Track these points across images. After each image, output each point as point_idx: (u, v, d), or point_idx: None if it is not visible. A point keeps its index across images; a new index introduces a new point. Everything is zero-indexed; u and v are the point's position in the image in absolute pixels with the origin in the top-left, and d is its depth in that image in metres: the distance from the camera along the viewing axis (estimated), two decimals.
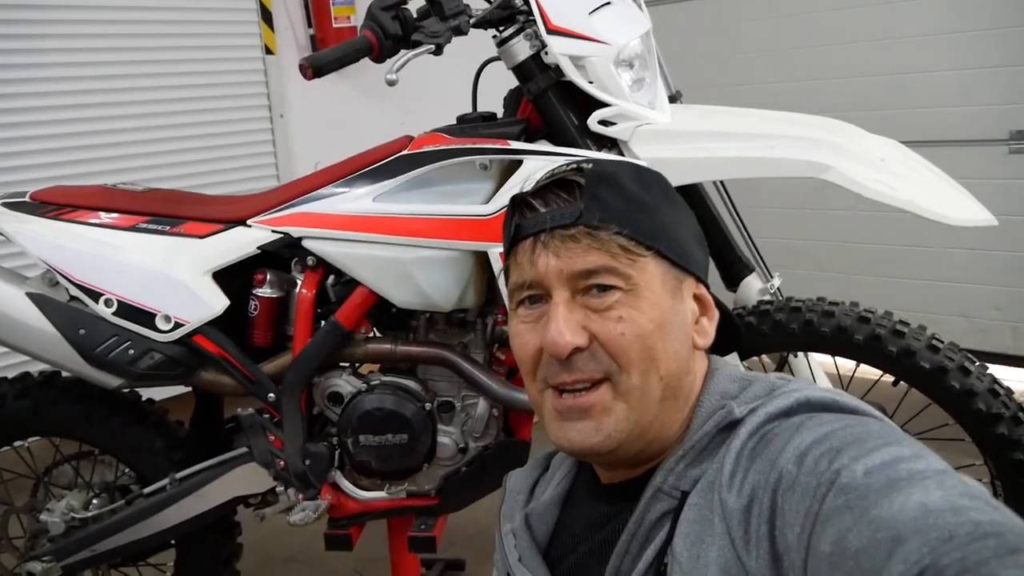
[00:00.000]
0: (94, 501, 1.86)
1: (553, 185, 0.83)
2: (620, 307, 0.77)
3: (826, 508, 0.62)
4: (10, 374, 1.80)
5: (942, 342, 1.49)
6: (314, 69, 1.42)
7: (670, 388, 0.79)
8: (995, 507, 0.56)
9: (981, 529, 0.53)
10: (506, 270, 0.87)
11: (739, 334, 0.96)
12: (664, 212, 0.84)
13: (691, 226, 0.88)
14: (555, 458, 0.99)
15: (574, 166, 0.84)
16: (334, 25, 3.74)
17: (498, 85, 1.75)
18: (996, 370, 1.52)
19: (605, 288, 0.78)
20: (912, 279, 3.64)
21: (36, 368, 1.80)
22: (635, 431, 0.78)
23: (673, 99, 1.74)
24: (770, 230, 3.70)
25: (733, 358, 1.62)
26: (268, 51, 3.73)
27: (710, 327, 0.86)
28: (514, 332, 0.84)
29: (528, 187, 0.86)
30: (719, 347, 0.92)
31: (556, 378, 0.79)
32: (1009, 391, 1.48)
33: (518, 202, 0.84)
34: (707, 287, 0.88)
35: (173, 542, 1.88)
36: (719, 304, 0.89)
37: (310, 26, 3.84)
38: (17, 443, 1.90)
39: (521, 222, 0.82)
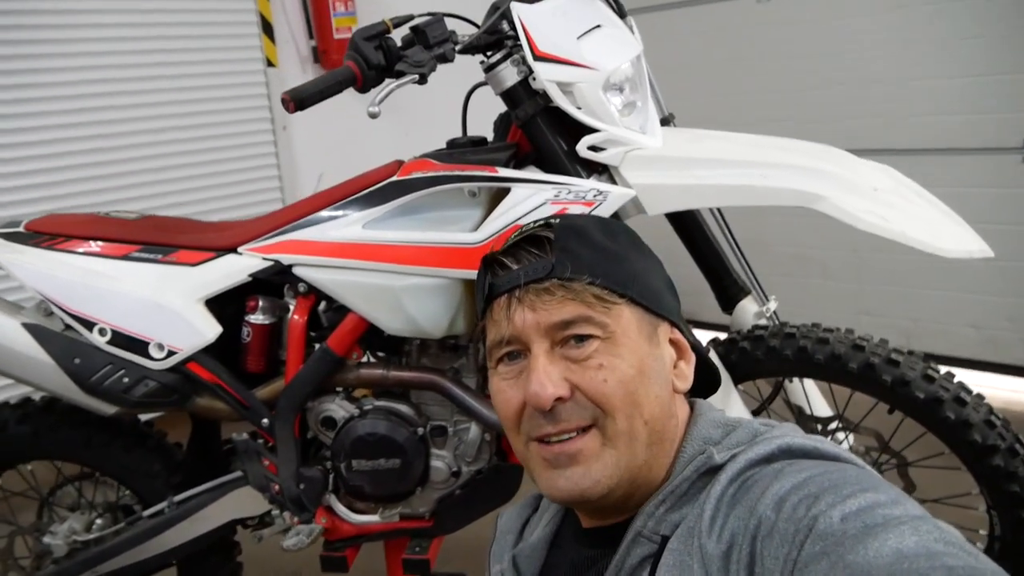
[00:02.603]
0: (97, 522, 1.88)
1: (523, 242, 0.85)
2: (599, 355, 0.78)
3: (804, 555, 0.62)
4: (11, 399, 1.82)
5: (938, 372, 1.47)
6: (296, 103, 1.42)
7: (655, 432, 0.80)
8: (969, 553, 0.57)
9: (954, 574, 0.53)
10: (482, 329, 0.88)
11: (717, 376, 0.96)
12: (633, 260, 0.85)
13: (660, 273, 0.90)
14: (545, 498, 1.00)
15: (542, 223, 0.86)
16: (335, 36, 3.72)
17: (493, 105, 1.74)
18: (1006, 381, 1.49)
19: (583, 338, 0.79)
20: (923, 289, 3.58)
21: (37, 393, 1.82)
22: (625, 476, 0.79)
23: (665, 122, 1.72)
24: (778, 238, 3.67)
25: (726, 386, 1.61)
26: (269, 63, 3.73)
27: (688, 370, 0.87)
28: (496, 389, 0.85)
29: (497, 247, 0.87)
30: (700, 389, 0.92)
31: (540, 430, 0.80)
32: (1006, 422, 1.46)
33: (489, 262, 0.86)
34: (681, 331, 0.88)
35: (174, 562, 1.90)
36: (695, 347, 0.90)
37: (311, 38, 3.83)
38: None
39: (494, 280, 0.84)
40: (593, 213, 1.45)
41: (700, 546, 0.70)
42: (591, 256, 0.81)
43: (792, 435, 0.77)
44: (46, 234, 1.70)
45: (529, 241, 0.84)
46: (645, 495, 0.81)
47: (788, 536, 0.64)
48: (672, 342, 0.86)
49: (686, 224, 1.76)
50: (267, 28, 3.69)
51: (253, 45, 3.68)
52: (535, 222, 0.87)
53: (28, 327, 1.64)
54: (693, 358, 0.89)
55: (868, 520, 0.61)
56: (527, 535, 0.97)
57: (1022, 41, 3.19)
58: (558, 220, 0.85)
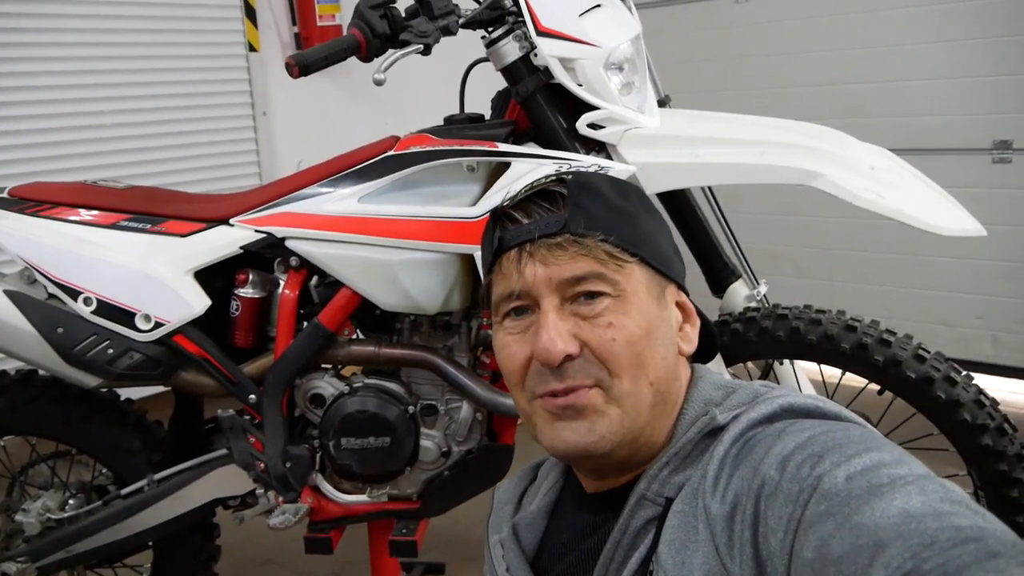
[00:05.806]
0: (70, 501, 1.83)
1: (535, 196, 0.83)
2: (609, 314, 0.77)
3: (808, 514, 0.62)
4: None
5: (928, 352, 1.50)
6: (301, 67, 1.40)
7: (660, 394, 0.79)
8: (976, 511, 0.57)
9: (962, 534, 0.53)
10: (488, 284, 0.86)
11: (716, 342, 0.96)
12: (645, 221, 0.85)
13: (668, 236, 0.90)
14: (543, 468, 0.99)
15: (554, 177, 0.85)
16: (319, 23, 3.71)
17: (484, 86, 1.74)
18: (976, 379, 1.53)
19: (594, 295, 0.78)
20: (895, 287, 3.66)
21: (13, 367, 1.77)
22: (628, 436, 0.78)
23: (662, 103, 1.73)
24: (752, 235, 3.70)
25: (718, 365, 1.62)
26: (252, 48, 3.70)
27: (693, 334, 0.87)
28: (500, 344, 0.84)
29: (507, 200, 0.86)
30: (698, 355, 0.92)
31: (546, 387, 0.78)
32: (994, 402, 1.49)
33: (499, 215, 0.84)
34: (687, 295, 0.88)
35: (150, 544, 1.85)
36: (698, 312, 0.90)
37: (294, 24, 3.82)
38: None
39: (504, 234, 0.82)
40: None
41: (704, 507, 0.70)
42: (604, 213, 0.81)
43: (793, 395, 0.77)
44: (31, 200, 1.66)
45: (541, 196, 0.83)
46: (647, 457, 0.81)
47: (792, 496, 0.64)
48: (679, 305, 0.86)
49: (679, 206, 1.76)
50: (250, 13, 3.67)
51: (236, 29, 3.65)
52: (546, 177, 0.86)
53: (10, 294, 1.59)
54: (698, 322, 0.89)
55: (873, 480, 0.60)
56: (526, 504, 0.96)
57: (992, 44, 3.28)
58: (571, 176, 0.84)
